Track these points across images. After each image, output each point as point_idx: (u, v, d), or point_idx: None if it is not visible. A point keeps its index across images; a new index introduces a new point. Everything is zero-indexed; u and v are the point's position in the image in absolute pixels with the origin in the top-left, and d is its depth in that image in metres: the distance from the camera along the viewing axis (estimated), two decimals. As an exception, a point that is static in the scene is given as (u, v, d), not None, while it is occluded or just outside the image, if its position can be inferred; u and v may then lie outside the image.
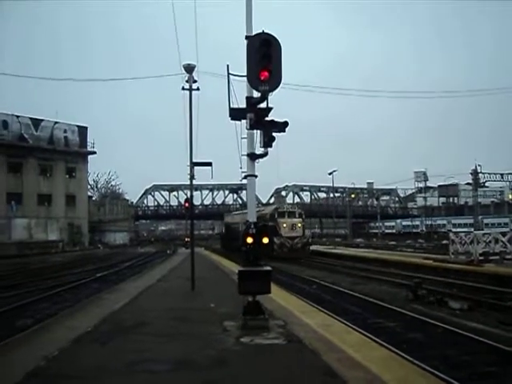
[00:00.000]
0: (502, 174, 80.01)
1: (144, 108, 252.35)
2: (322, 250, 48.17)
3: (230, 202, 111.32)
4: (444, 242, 48.93)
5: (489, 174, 78.41)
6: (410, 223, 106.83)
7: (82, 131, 78.20)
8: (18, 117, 69.93)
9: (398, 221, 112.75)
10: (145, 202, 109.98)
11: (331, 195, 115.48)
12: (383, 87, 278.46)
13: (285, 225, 43.09)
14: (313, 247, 47.95)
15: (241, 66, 10.58)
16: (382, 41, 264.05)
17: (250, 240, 9.97)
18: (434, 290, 18.01)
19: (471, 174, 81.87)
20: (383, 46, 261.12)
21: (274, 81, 9.67)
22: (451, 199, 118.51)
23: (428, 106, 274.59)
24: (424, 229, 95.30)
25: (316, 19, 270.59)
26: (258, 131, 10.35)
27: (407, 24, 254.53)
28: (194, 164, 17.98)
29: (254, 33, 10.20)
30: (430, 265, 27.09)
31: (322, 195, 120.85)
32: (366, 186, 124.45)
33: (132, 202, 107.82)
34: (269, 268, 10.28)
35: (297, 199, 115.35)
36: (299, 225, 44.00)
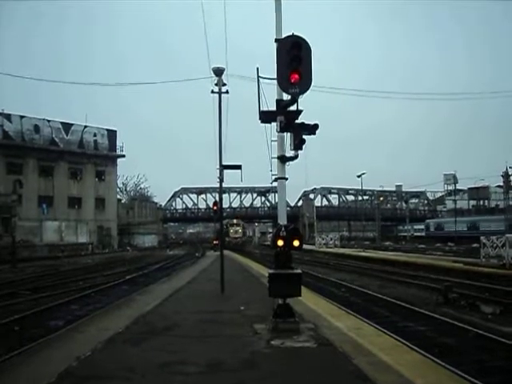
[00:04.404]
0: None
1: (172, 112, 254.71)
2: (349, 253, 48.06)
3: (258, 205, 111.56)
4: (474, 245, 48.28)
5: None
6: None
7: (111, 135, 79.31)
8: (49, 121, 71.42)
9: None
10: (173, 204, 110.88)
11: (359, 198, 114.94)
12: (410, 90, 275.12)
13: (232, 231, 74.68)
14: (340, 250, 55.53)
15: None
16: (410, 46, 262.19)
17: (280, 243, 9.92)
18: (465, 294, 17.69)
19: (502, 176, 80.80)
20: (412, 51, 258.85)
21: (305, 83, 9.64)
22: (481, 202, 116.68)
23: (457, 107, 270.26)
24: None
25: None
26: (288, 134, 10.35)
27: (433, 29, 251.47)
28: (223, 167, 17.88)
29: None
30: (461, 268, 26.65)
31: (351, 198, 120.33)
32: (394, 189, 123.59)
33: (160, 205, 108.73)
34: (299, 271, 10.27)
35: (325, 202, 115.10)
36: (240, 231, 76.46)
